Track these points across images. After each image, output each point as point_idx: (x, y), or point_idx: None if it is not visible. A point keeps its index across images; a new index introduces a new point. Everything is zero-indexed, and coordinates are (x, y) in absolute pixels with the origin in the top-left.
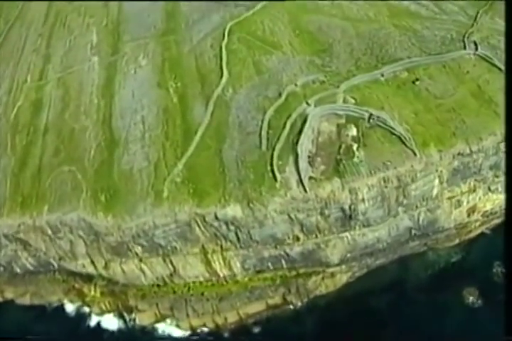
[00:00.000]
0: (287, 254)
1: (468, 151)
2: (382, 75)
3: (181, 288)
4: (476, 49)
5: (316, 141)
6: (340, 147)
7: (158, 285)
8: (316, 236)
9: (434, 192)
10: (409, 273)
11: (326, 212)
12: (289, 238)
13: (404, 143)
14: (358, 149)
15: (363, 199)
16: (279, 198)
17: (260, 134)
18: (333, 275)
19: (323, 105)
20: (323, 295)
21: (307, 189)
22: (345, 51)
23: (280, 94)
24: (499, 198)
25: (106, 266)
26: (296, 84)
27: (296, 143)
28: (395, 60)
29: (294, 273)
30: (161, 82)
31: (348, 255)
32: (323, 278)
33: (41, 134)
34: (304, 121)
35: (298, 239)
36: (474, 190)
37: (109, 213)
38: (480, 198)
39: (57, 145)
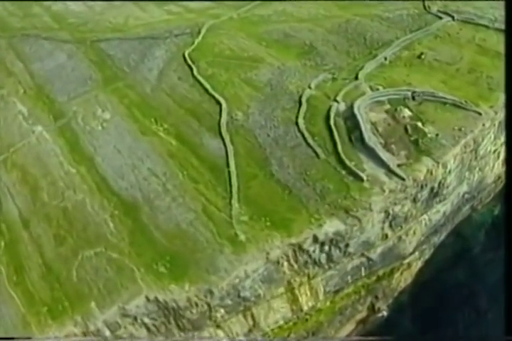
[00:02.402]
0: (369, 259)
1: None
2: (386, 59)
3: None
4: (452, 16)
5: (377, 131)
6: (406, 129)
7: None
8: (401, 228)
9: (489, 148)
10: (468, 240)
11: (419, 195)
12: (378, 239)
13: (462, 107)
14: (424, 125)
15: (450, 172)
16: (377, 196)
17: (308, 143)
18: (409, 265)
19: (362, 97)
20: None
21: (404, 176)
22: (329, 48)
23: (300, 101)
24: None
25: None
26: (310, 87)
27: (351, 140)
28: (386, 43)
29: (374, 278)
30: (143, 129)
31: (422, 239)
32: (401, 272)
33: (21, 229)
34: (346, 119)
35: (386, 237)
36: None
37: (184, 281)
38: None
39: (54, 233)
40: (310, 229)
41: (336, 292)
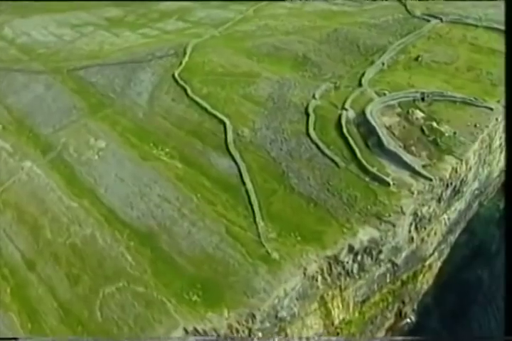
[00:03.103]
0: (394, 265)
1: None
2: (383, 64)
3: None
4: (440, 18)
5: (394, 135)
6: (422, 130)
7: None
8: (425, 229)
9: (497, 142)
10: (480, 236)
11: (443, 195)
12: (405, 242)
13: (472, 104)
14: (439, 125)
15: (470, 168)
16: (406, 199)
17: (325, 153)
18: (430, 267)
19: (373, 103)
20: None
21: (430, 176)
22: (323, 58)
23: (307, 113)
24: None
25: None
26: (315, 98)
27: (368, 146)
28: (380, 49)
29: (398, 283)
30: (143, 154)
31: (441, 238)
32: (424, 275)
33: (27, 272)
34: (358, 126)
35: (412, 240)
36: None
37: (222, 308)
38: None
39: (66, 272)
40: (344, 239)
41: (364, 301)
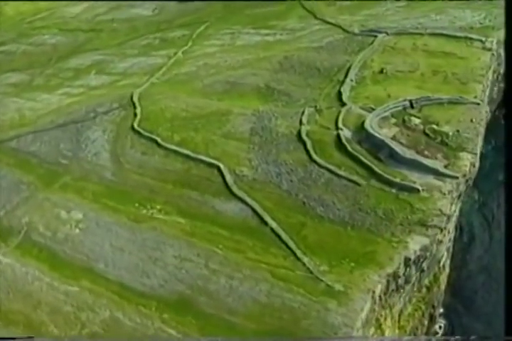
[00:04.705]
0: (422, 271)
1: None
2: (352, 80)
3: None
4: (385, 32)
5: (402, 145)
6: (426, 134)
7: None
8: (444, 229)
9: None
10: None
11: (461, 188)
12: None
13: (459, 102)
14: (439, 126)
15: (480, 161)
16: (440, 201)
17: (340, 175)
18: (444, 267)
19: (369, 117)
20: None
21: (456, 175)
22: (287, 86)
23: (301, 140)
24: None
25: None
26: (303, 124)
27: (380, 160)
28: (340, 68)
29: (424, 290)
30: (134, 217)
31: (452, 236)
32: (441, 275)
33: None
34: (360, 143)
35: (440, 241)
36: None
37: None
38: None
39: None
40: (398, 253)
41: (399, 316)
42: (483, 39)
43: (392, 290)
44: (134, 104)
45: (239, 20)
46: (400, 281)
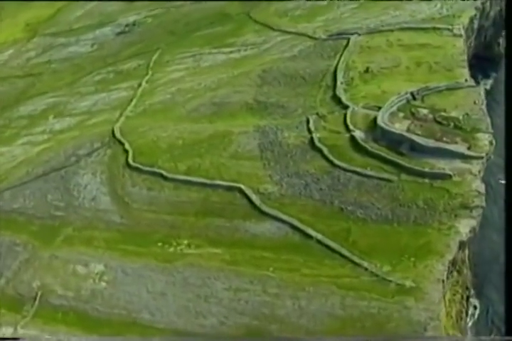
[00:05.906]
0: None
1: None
2: (342, 83)
3: None
4: (357, 33)
5: (419, 135)
6: (438, 122)
7: None
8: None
9: None
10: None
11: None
12: None
13: (457, 88)
14: (448, 112)
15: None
16: (474, 181)
17: (369, 176)
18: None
19: (380, 115)
20: None
21: (481, 155)
22: (277, 98)
23: (316, 147)
24: None
25: None
26: (312, 132)
27: (402, 154)
28: (325, 73)
29: (455, 273)
30: (162, 257)
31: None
32: (464, 255)
33: None
34: (376, 141)
35: None
36: None
37: None
38: None
39: None
40: (452, 239)
41: (449, 302)
42: (450, 27)
43: (447, 277)
44: (119, 140)
45: (193, 43)
46: (452, 267)
